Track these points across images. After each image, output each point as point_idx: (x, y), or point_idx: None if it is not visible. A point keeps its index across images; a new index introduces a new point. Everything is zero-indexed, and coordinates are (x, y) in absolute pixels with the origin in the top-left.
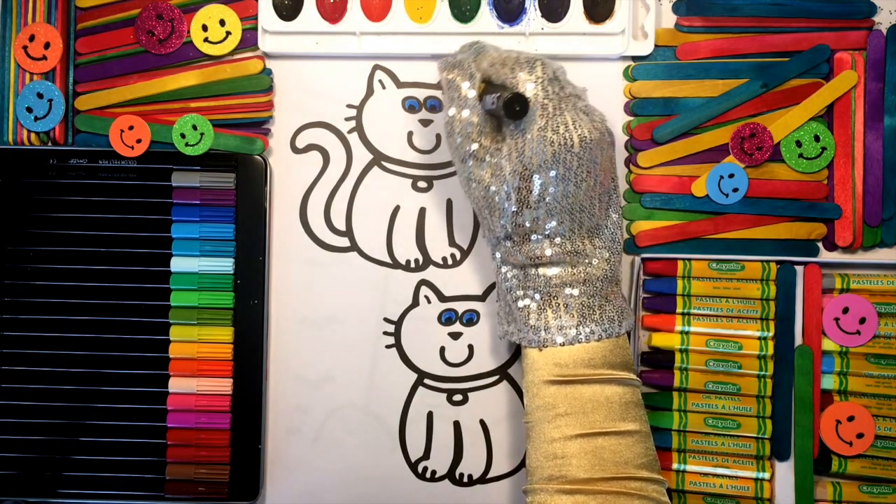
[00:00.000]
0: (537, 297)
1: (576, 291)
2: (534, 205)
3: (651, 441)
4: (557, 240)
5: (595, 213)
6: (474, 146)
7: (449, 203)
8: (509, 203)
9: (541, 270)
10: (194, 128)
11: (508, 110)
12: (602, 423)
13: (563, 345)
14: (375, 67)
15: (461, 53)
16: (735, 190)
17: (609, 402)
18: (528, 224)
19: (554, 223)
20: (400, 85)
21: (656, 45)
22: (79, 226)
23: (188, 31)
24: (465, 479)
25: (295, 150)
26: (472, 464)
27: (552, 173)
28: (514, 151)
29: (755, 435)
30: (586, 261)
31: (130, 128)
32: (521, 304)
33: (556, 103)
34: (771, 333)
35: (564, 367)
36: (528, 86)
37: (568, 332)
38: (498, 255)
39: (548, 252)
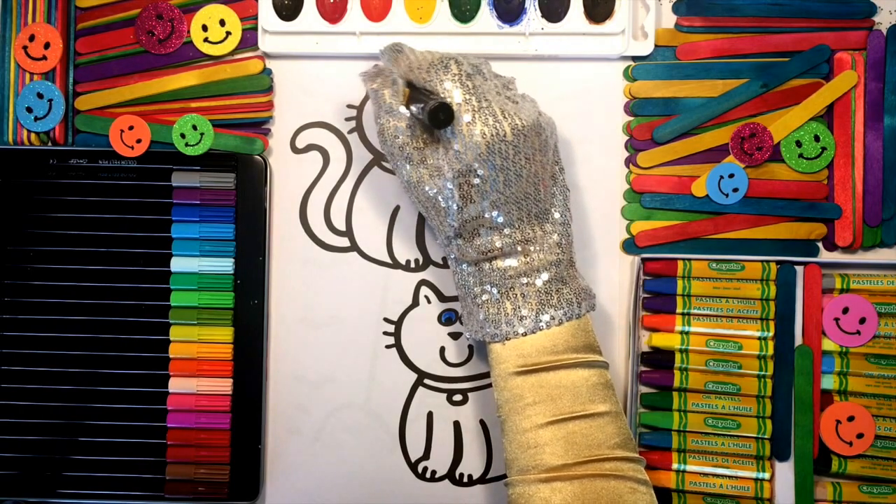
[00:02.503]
0: (494, 290)
1: (531, 279)
2: (476, 199)
3: (623, 420)
4: (507, 230)
5: (541, 199)
6: (408, 150)
7: None
8: (452, 200)
9: (495, 264)
10: (194, 128)
11: (433, 120)
12: (570, 408)
13: (524, 335)
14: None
15: (381, 57)
16: (735, 190)
17: (575, 386)
18: (474, 219)
19: (499, 214)
20: None
21: (656, 45)
22: (79, 226)
23: (188, 31)
24: (465, 479)
25: (295, 150)
26: (472, 464)
27: (489, 165)
28: (450, 149)
29: (755, 435)
30: (538, 247)
31: (130, 128)
32: (479, 300)
33: (481, 96)
34: (771, 333)
35: (528, 357)
36: (446, 85)
37: (527, 321)
38: (452, 255)
39: (498, 244)
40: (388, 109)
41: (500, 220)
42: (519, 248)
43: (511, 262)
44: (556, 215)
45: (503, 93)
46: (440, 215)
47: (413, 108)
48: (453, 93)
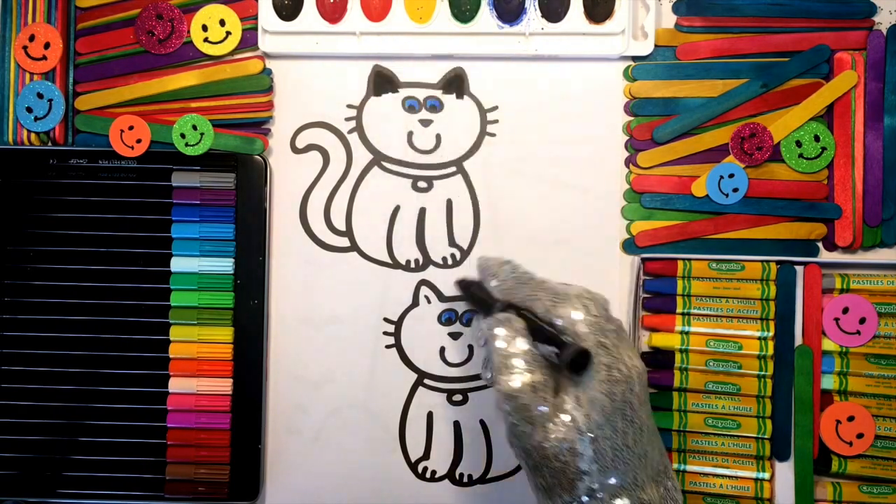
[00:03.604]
0: None
1: None
2: (613, 455)
3: None
4: (633, 494)
5: (656, 458)
6: (544, 408)
7: (449, 203)
8: (589, 459)
9: None
10: (194, 128)
11: (574, 367)
12: None
13: None
14: (375, 68)
15: (480, 272)
16: (735, 190)
17: None
18: (607, 481)
19: (631, 474)
20: (401, 91)
21: (656, 45)
22: (79, 226)
23: (188, 31)
24: (465, 479)
25: (295, 150)
26: (472, 464)
27: (621, 416)
28: (583, 400)
29: (755, 435)
30: None
31: (130, 128)
32: None
33: (615, 341)
34: (771, 333)
35: None
36: (579, 328)
37: None
38: None
39: None
40: (522, 369)
41: (630, 479)
42: None
43: None
44: (662, 470)
45: (623, 335)
46: (568, 475)
47: (542, 347)
48: (587, 338)
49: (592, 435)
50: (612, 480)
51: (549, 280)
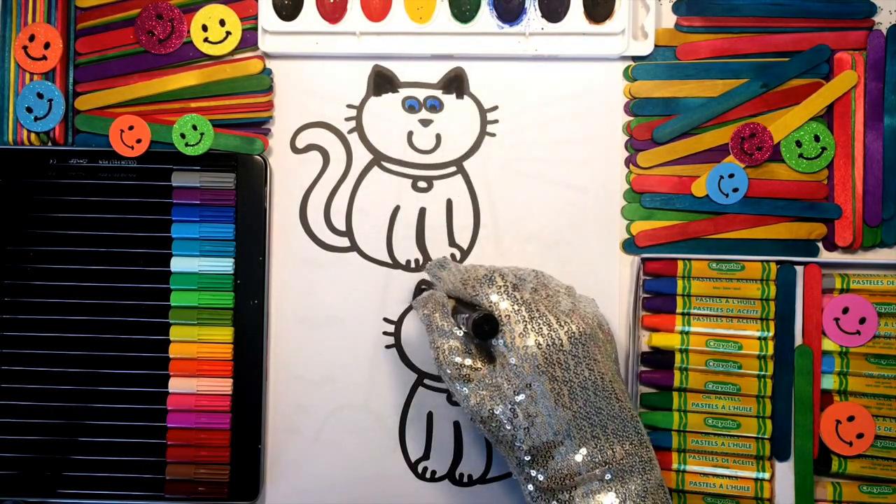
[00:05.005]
0: None
1: None
2: (543, 415)
3: None
4: (583, 451)
5: (616, 414)
6: (465, 370)
7: (449, 203)
8: (517, 420)
9: (576, 494)
10: (194, 128)
11: (478, 332)
12: None
13: None
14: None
15: (427, 272)
16: (735, 190)
17: None
18: (542, 439)
19: (571, 431)
20: (400, 85)
21: (656, 45)
22: (79, 226)
23: (188, 31)
24: (465, 479)
25: (295, 150)
26: (472, 464)
27: (549, 377)
28: (506, 365)
29: (755, 435)
30: (622, 474)
31: (130, 128)
32: None
33: (530, 307)
34: (771, 333)
35: None
36: (493, 297)
37: None
38: (530, 486)
39: (576, 469)
40: (441, 332)
41: (574, 440)
42: (598, 475)
43: (599, 497)
44: (632, 428)
45: (557, 301)
46: (507, 439)
47: (459, 317)
48: (500, 305)
49: (518, 399)
50: (549, 439)
51: (471, 266)
